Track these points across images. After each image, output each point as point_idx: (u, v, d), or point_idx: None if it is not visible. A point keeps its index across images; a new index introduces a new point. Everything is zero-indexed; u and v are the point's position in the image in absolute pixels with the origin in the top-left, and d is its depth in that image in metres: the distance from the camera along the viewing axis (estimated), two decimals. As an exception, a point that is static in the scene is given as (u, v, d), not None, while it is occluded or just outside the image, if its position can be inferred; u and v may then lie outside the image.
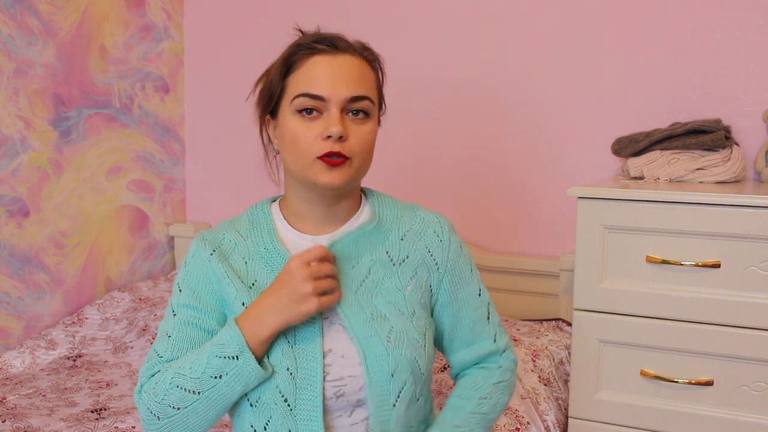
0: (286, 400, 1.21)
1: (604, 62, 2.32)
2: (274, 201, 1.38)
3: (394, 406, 1.24)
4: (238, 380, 1.20)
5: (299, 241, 1.31)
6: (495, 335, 1.38)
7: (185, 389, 1.21)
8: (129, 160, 2.72)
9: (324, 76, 1.23)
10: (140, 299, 2.54)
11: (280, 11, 2.76)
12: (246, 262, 1.30)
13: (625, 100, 2.30)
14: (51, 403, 1.91)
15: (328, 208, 1.30)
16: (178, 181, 2.95)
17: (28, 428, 1.73)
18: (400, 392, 1.24)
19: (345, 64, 1.24)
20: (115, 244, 2.69)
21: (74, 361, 2.25)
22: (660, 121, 2.21)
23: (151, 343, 2.28)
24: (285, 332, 1.23)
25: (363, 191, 1.38)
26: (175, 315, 1.29)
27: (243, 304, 1.26)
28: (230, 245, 1.31)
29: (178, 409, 1.22)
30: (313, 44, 1.25)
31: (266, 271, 1.28)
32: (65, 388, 2.02)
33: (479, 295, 1.37)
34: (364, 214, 1.34)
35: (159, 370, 1.26)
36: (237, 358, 1.19)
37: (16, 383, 2.06)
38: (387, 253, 1.31)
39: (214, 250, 1.30)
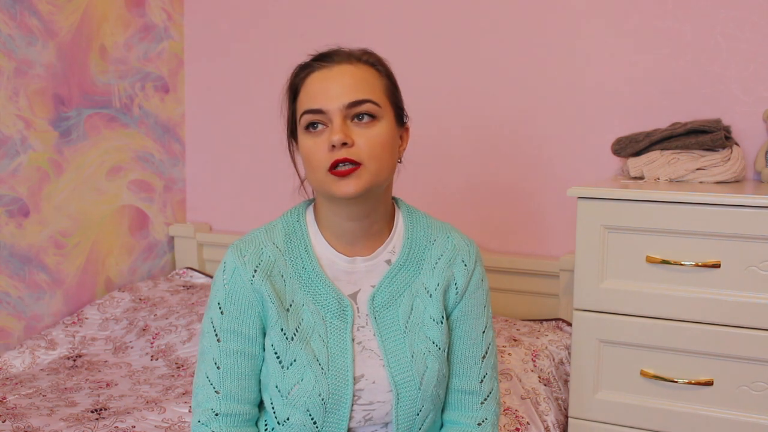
0: (315, 423, 1.26)
1: (604, 62, 2.32)
2: (309, 204, 1.37)
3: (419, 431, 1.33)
4: None
5: (336, 261, 1.31)
6: (483, 377, 1.37)
7: None
8: (129, 160, 2.72)
9: (320, 90, 1.24)
10: (140, 299, 2.54)
11: (280, 11, 2.76)
12: (285, 281, 1.30)
13: (625, 100, 2.30)
14: (51, 403, 1.91)
15: (358, 223, 1.29)
16: (178, 181, 2.95)
17: (28, 428, 1.73)
18: (423, 422, 1.32)
19: (339, 74, 1.25)
20: (115, 244, 2.69)
21: (74, 361, 2.25)
22: (660, 121, 2.21)
23: (152, 344, 2.28)
24: (318, 358, 1.26)
25: (396, 202, 1.38)
26: (219, 341, 1.29)
27: (282, 329, 1.27)
28: (270, 261, 1.30)
29: None
30: (311, 63, 1.28)
31: (303, 292, 1.29)
32: (65, 388, 2.02)
33: (483, 332, 1.38)
34: (397, 234, 1.35)
35: (218, 412, 1.28)
36: None
37: (16, 383, 2.06)
38: (424, 286, 1.33)
39: (255, 270, 1.29)
